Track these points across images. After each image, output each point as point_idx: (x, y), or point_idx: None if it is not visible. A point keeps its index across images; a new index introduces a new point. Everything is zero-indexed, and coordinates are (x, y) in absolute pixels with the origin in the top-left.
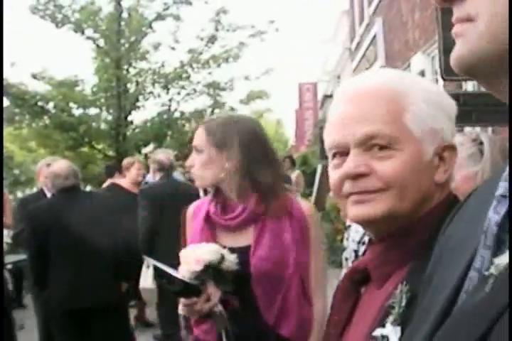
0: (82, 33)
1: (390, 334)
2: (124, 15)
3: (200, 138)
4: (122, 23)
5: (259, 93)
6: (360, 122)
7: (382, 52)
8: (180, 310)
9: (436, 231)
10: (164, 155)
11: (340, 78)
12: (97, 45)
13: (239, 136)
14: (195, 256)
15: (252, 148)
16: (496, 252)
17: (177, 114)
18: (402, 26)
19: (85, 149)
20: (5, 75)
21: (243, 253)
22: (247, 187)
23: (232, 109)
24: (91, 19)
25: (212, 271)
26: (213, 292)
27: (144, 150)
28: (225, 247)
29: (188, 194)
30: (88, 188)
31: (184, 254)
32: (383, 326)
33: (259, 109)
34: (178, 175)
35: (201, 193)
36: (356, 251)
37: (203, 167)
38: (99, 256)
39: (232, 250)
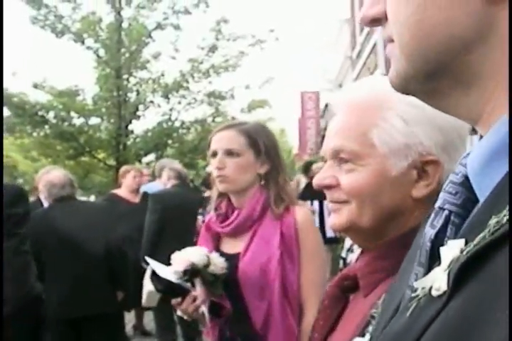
0: (83, 42)
1: None
2: (124, 25)
3: (236, 141)
4: (122, 33)
5: (261, 102)
6: (333, 136)
7: (382, 60)
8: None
9: None
10: (178, 164)
11: (342, 87)
12: (98, 55)
13: (266, 142)
14: (181, 258)
15: (274, 155)
16: (428, 270)
17: (177, 124)
18: None
19: (86, 158)
20: (6, 85)
21: (236, 258)
22: (257, 193)
23: (233, 118)
24: (91, 29)
25: (196, 272)
26: (199, 293)
27: (145, 160)
28: (223, 253)
29: (195, 203)
30: (92, 197)
31: (174, 256)
32: (363, 335)
33: (262, 118)
34: None
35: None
36: (344, 259)
37: (239, 171)
38: (94, 264)
39: (229, 256)
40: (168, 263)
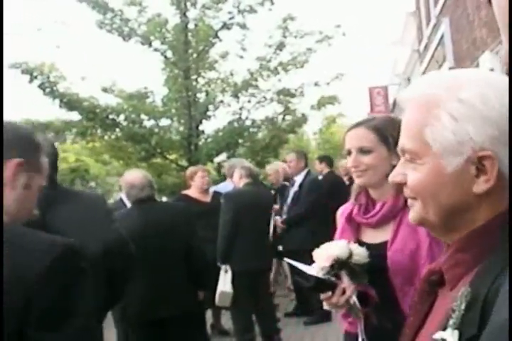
0: (150, 45)
1: (449, 337)
2: (191, 26)
3: (366, 138)
4: (189, 34)
5: (330, 98)
6: (401, 134)
7: (450, 52)
8: (324, 304)
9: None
10: (247, 162)
11: (410, 81)
12: (165, 57)
13: (395, 134)
14: (325, 254)
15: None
16: None
17: (248, 122)
18: (469, 25)
19: (158, 160)
20: (76, 90)
21: (383, 247)
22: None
23: (303, 115)
24: (158, 31)
25: (341, 265)
26: (347, 285)
27: (216, 159)
28: (364, 244)
29: (268, 202)
30: (164, 198)
31: (317, 252)
32: (445, 329)
33: (331, 115)
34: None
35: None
36: None
37: (373, 166)
38: (175, 265)
39: (373, 245)
40: (246, 260)
